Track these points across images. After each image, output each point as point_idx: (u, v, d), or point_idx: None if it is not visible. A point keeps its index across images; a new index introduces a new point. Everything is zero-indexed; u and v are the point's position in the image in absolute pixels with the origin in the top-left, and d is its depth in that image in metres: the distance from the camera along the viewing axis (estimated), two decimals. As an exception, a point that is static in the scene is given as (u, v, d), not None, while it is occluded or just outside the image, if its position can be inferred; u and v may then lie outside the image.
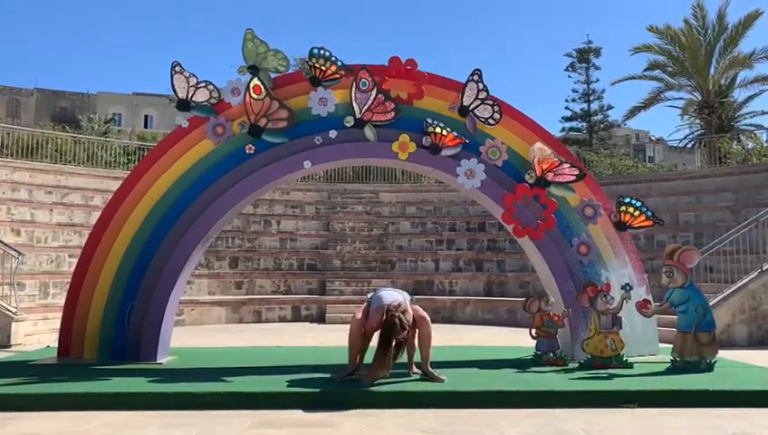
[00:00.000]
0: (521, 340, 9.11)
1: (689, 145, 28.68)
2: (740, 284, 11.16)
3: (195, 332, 12.84)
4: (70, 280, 7.82)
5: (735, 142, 23.07)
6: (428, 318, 6.43)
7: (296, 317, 15.63)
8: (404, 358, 6.39)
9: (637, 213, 8.17)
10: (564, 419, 5.21)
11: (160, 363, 7.30)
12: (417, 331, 6.31)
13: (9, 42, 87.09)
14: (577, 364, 7.27)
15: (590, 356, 7.17)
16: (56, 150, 18.98)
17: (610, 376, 6.57)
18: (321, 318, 15.36)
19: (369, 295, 6.56)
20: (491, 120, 8.06)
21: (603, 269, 8.00)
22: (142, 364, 7.14)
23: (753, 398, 5.77)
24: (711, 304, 9.14)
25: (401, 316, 5.93)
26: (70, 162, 18.24)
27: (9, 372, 6.64)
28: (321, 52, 7.83)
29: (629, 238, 8.35)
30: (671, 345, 7.32)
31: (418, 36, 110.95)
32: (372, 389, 5.84)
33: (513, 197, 7.94)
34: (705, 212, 15.87)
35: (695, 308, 7.03)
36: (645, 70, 24.44)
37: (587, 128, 38.56)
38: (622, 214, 8.18)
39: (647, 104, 25.27)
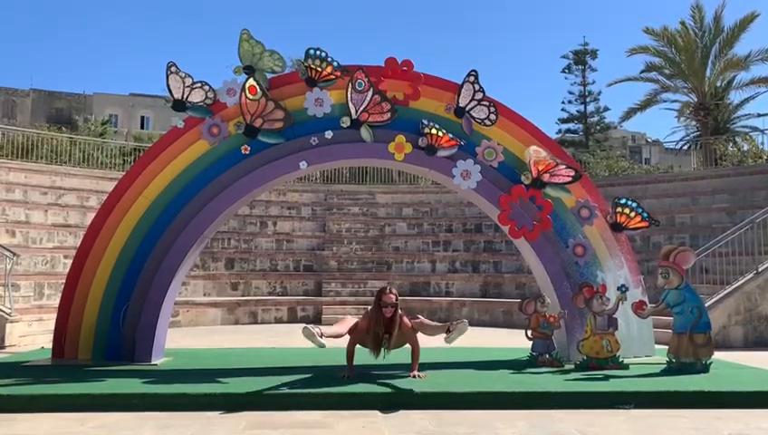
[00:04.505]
0: (517, 341, 9.11)
1: (685, 147, 28.79)
2: (735, 285, 11.18)
3: (190, 333, 12.81)
4: (65, 281, 7.80)
5: (731, 144, 23.14)
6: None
7: (292, 318, 15.60)
8: (402, 358, 6.40)
9: (632, 214, 8.19)
10: (560, 419, 5.20)
11: (155, 364, 7.27)
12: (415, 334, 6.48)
13: (5, 42, 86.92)
14: (573, 365, 7.26)
15: (585, 357, 7.17)
16: (52, 151, 18.92)
17: (606, 377, 6.57)
18: (317, 319, 15.32)
19: None
20: (487, 122, 8.06)
21: (599, 270, 8.00)
22: (137, 365, 7.12)
23: (749, 399, 5.78)
24: (706, 305, 9.16)
25: (392, 288, 6.49)
26: (65, 163, 18.18)
27: (3, 373, 6.61)
28: (318, 52, 7.82)
29: (625, 240, 8.36)
30: (667, 346, 7.32)
31: (414, 37, 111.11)
32: (368, 390, 5.85)
33: (509, 198, 7.95)
34: (701, 214, 15.90)
35: (690, 309, 7.03)
36: (641, 72, 24.45)
37: (583, 129, 38.64)
38: (618, 215, 8.20)
39: (643, 106, 25.28)
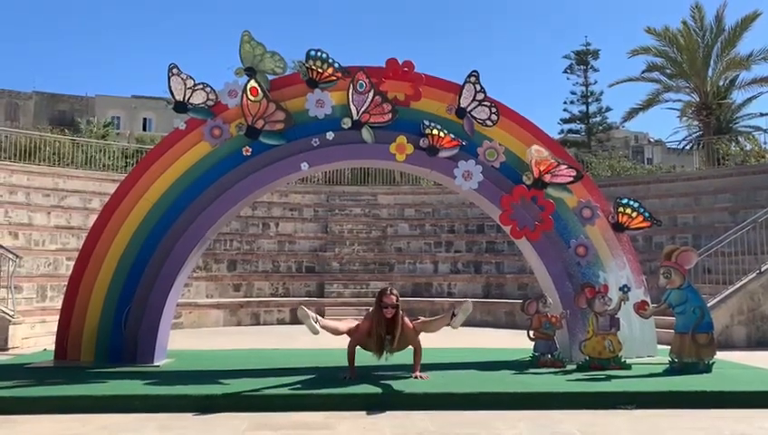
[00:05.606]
0: (519, 342, 9.09)
1: (688, 147, 28.67)
2: (738, 285, 11.15)
3: (193, 334, 12.82)
4: (67, 283, 7.81)
5: (734, 144, 23.11)
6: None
7: (294, 320, 15.43)
8: (404, 359, 6.40)
9: (634, 214, 8.17)
10: (561, 420, 5.19)
11: (157, 366, 7.28)
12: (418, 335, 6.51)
13: (7, 44, 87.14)
14: (575, 366, 7.25)
15: (588, 358, 7.16)
16: (54, 153, 18.96)
17: (608, 377, 6.56)
18: (319, 320, 15.30)
19: None
20: (488, 122, 8.05)
21: (601, 270, 7.98)
22: (139, 367, 7.12)
23: (752, 399, 5.76)
24: (709, 305, 9.13)
25: (393, 288, 6.51)
26: (68, 165, 18.21)
27: (6, 375, 6.62)
28: (319, 53, 7.82)
29: (627, 240, 8.34)
30: (669, 347, 7.31)
31: (415, 38, 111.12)
32: (369, 391, 5.85)
33: (510, 198, 7.93)
34: (704, 213, 15.87)
35: (692, 309, 7.02)
36: (643, 72, 24.42)
37: (585, 130, 38.65)
38: (620, 215, 8.18)
39: (645, 106, 25.24)
